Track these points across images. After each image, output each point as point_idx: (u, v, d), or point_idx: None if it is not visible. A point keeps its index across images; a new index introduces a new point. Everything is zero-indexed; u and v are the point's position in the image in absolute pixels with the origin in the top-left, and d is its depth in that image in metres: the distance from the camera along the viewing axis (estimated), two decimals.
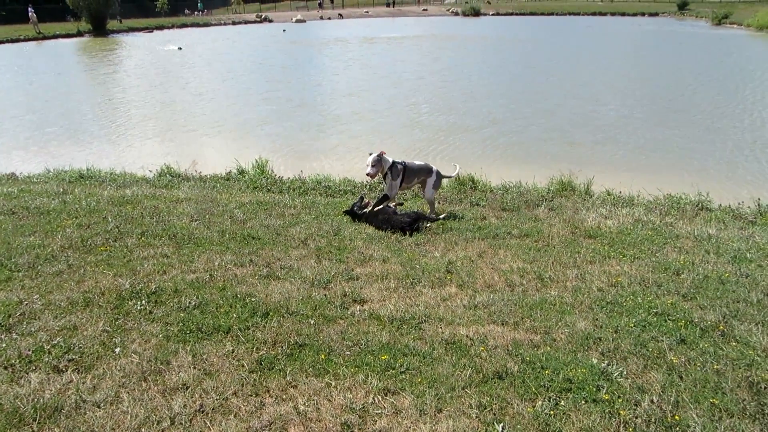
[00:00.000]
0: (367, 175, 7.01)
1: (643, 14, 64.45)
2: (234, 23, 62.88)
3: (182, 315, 4.46)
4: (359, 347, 4.09)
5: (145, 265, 5.49)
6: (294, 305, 4.71)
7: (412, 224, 6.79)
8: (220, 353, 3.95)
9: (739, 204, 8.36)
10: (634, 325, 4.47)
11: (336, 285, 5.20)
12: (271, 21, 65.20)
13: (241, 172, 10.20)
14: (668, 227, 7.29)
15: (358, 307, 4.74)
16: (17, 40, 43.55)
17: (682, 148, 12.88)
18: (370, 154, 7.07)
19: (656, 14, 64.39)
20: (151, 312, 4.53)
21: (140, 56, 34.85)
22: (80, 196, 8.19)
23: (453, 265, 5.73)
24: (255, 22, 65.02)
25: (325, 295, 4.92)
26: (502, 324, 4.51)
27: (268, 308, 4.62)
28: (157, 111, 18.42)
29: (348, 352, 4.00)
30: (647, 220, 7.54)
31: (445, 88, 21.17)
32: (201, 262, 5.62)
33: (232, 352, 3.96)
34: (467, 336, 4.27)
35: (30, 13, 48.19)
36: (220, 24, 62.02)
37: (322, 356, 3.94)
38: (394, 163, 7.18)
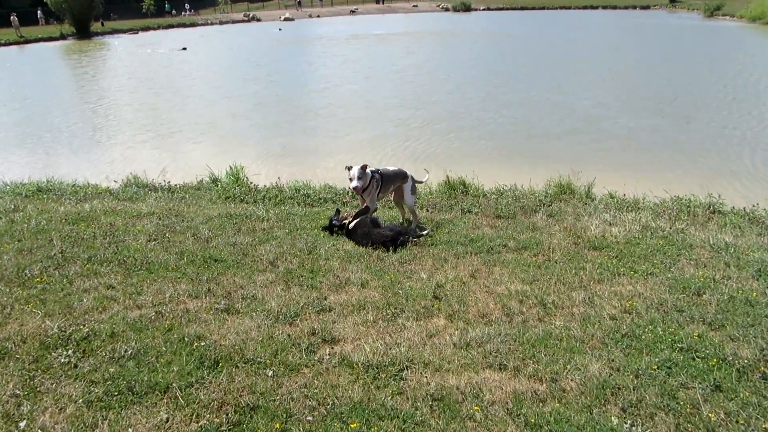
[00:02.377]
0: (354, 189, 6.27)
1: (634, 7, 63.72)
2: (221, 23, 61.81)
3: (113, 369, 3.66)
4: (325, 408, 3.30)
5: (84, 301, 4.69)
6: (251, 349, 3.93)
7: (395, 239, 6.01)
8: (150, 425, 3.15)
9: (753, 206, 7.61)
10: (658, 367, 3.70)
11: (304, 319, 4.42)
12: (259, 20, 64.17)
13: (214, 180, 9.38)
14: (680, 235, 6.53)
15: (327, 350, 3.96)
16: None
17: (688, 145, 12.06)
18: (349, 168, 6.34)
19: (648, 7, 63.65)
20: (76, 366, 3.73)
21: (122, 58, 33.88)
22: (32, 213, 7.36)
23: (442, 289, 4.95)
24: (243, 21, 63.99)
25: (289, 334, 4.13)
26: (500, 368, 3.74)
27: (219, 355, 3.83)
28: (135, 115, 17.53)
29: (310, 417, 3.22)
30: (656, 227, 6.79)
31: (430, 85, 20.36)
32: (150, 294, 4.82)
33: (166, 423, 3.17)
34: (458, 388, 3.49)
35: (12, 18, 47.06)
36: (207, 24, 60.94)
37: (277, 425, 3.15)
38: (373, 173, 6.48)
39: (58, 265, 5.47)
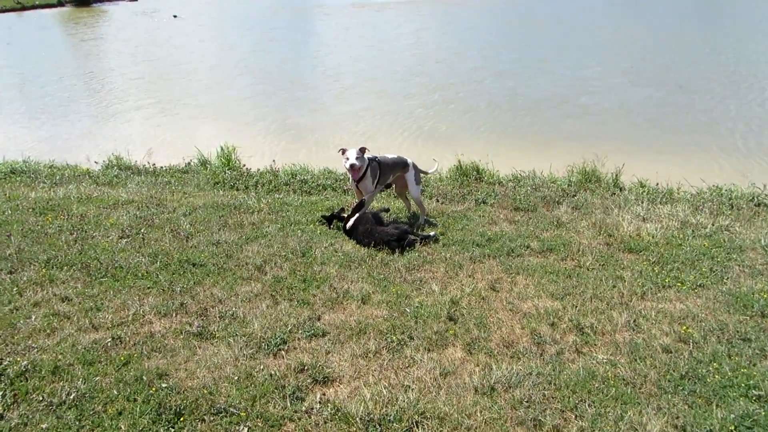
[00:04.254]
0: (351, 168, 5.49)
1: None
2: None
3: (45, 424, 2.89)
4: None
5: (32, 319, 3.91)
6: (223, 394, 3.15)
7: (400, 239, 5.21)
8: None
9: None
10: (734, 427, 2.91)
11: (292, 348, 3.64)
12: None
13: (203, 163, 8.56)
14: (725, 233, 5.71)
15: (318, 396, 3.17)
16: None
17: (723, 126, 10.96)
18: (343, 152, 5.56)
19: None
20: (1, 416, 2.95)
21: (120, 27, 32.71)
22: None
23: (457, 306, 4.16)
24: None
25: (272, 373, 3.34)
26: (535, 426, 2.95)
27: (182, 403, 3.05)
28: (127, 88, 16.56)
29: None
30: (696, 223, 5.96)
31: (440, 63, 19.24)
32: (111, 310, 4.04)
33: None
34: None
35: None
36: None
37: None
38: (371, 160, 5.71)
39: (12, 268, 4.69)
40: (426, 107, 13.00)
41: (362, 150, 5.55)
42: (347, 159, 5.48)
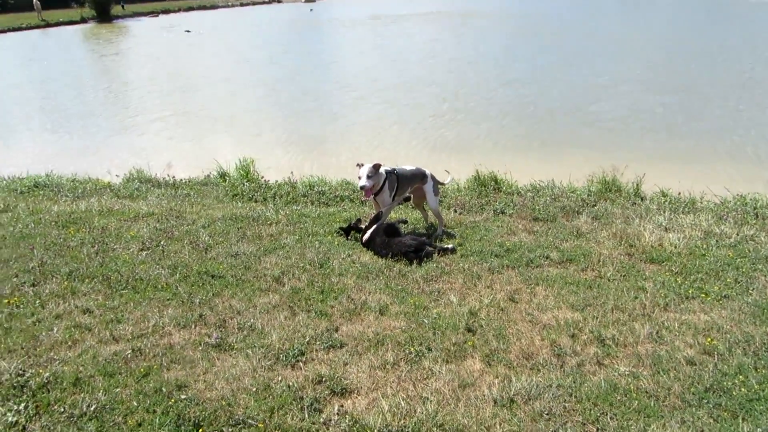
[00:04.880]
0: (362, 189, 5.47)
1: None
2: (242, 5, 60.95)
3: None
4: None
5: (54, 331, 3.98)
6: (242, 405, 3.16)
7: (419, 250, 5.21)
8: None
9: None
10: None
11: (310, 359, 3.65)
12: (280, 1, 63.15)
13: (222, 175, 8.66)
14: (750, 243, 5.61)
15: (336, 407, 3.17)
16: (19, 29, 42.13)
17: (745, 134, 10.82)
18: (360, 166, 5.56)
19: None
20: (24, 429, 2.99)
21: (142, 41, 33.33)
22: (21, 214, 6.71)
23: (476, 318, 4.14)
24: (263, 2, 63.03)
25: (290, 384, 3.34)
26: None
27: (201, 415, 3.07)
28: (146, 101, 16.84)
29: None
30: (720, 233, 5.87)
31: (458, 72, 19.29)
32: (131, 322, 4.09)
33: None
34: None
35: (35, 2, 46.78)
36: (228, 6, 60.13)
37: None
38: (388, 173, 5.72)
39: (35, 281, 4.77)
40: (438, 116, 13.05)
41: (376, 167, 5.55)
42: (359, 178, 5.50)
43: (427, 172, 6.05)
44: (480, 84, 16.62)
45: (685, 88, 14.35)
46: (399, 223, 5.82)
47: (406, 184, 5.87)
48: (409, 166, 6.02)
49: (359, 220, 5.94)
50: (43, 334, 3.94)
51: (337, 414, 3.10)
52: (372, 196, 5.66)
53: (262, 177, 8.53)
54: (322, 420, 3.06)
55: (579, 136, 11.25)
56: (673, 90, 14.35)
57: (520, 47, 24.22)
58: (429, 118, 12.88)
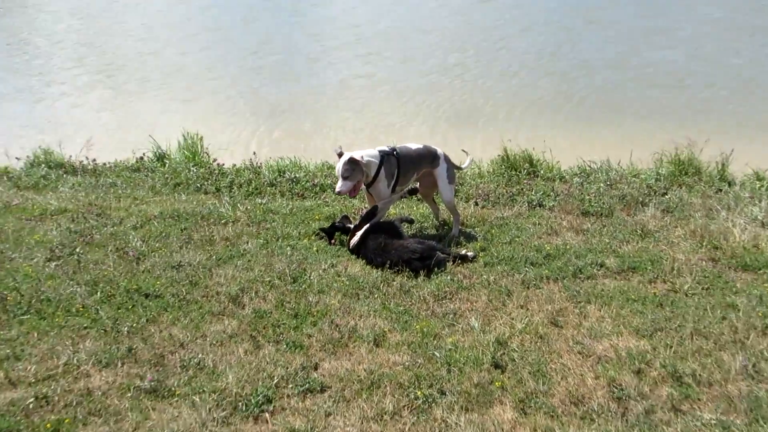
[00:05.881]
0: (338, 194, 5.73)
1: None
2: None
3: None
4: None
5: None
6: None
7: (425, 257, 5.22)
8: None
9: None
10: None
11: (280, 409, 3.63)
12: None
13: (160, 157, 8.65)
14: None
15: None
16: None
17: None
18: (340, 154, 5.61)
19: None
20: None
21: None
22: None
23: (505, 348, 4.14)
24: None
25: None
26: None
27: None
28: (59, 61, 16.73)
29: None
30: None
31: (467, 13, 19.25)
32: (34, 359, 4.05)
33: None
34: None
35: None
36: None
37: None
38: (382, 156, 5.72)
39: None
40: (444, 74, 13.07)
41: (352, 162, 5.51)
42: (336, 179, 5.62)
43: (439, 151, 6.06)
44: (498, 28, 16.61)
45: None
46: (401, 222, 5.81)
47: (411, 168, 5.86)
48: (414, 144, 6.00)
49: (346, 218, 5.97)
50: None
51: None
52: (364, 188, 5.68)
53: (215, 160, 8.56)
54: None
55: (641, 98, 11.28)
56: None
57: None
58: (431, 76, 12.86)
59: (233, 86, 13.59)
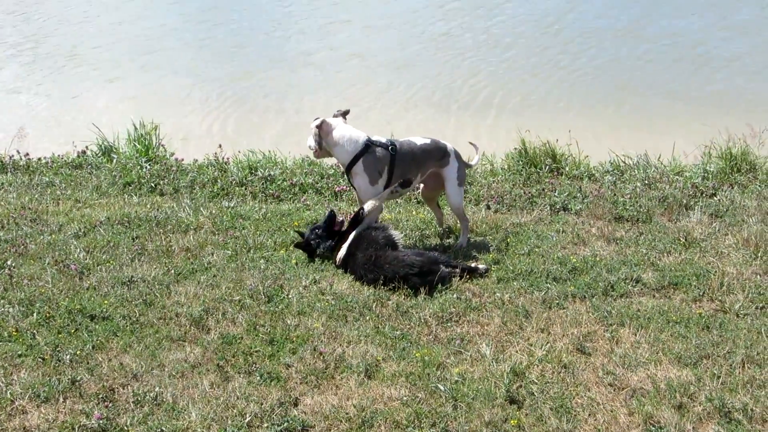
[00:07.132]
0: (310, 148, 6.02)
1: None
2: None
3: None
4: None
5: None
6: None
7: (426, 272, 5.29)
8: None
9: None
10: None
11: None
12: None
13: (107, 151, 8.72)
14: None
15: None
16: None
17: None
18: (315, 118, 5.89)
19: None
20: None
21: None
22: None
23: (523, 380, 4.23)
24: None
25: None
26: None
27: None
28: None
29: None
30: None
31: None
32: None
33: None
34: None
35: None
36: None
37: None
38: (367, 145, 5.78)
39: None
40: (448, 50, 13.17)
41: (324, 127, 5.82)
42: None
43: (450, 147, 6.11)
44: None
45: None
46: (395, 231, 5.86)
47: (413, 167, 5.91)
48: (420, 138, 6.06)
49: (332, 215, 6.04)
50: None
51: None
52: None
53: (173, 154, 8.68)
54: None
55: (684, 80, 11.41)
56: None
57: None
58: (434, 55, 12.95)
59: (194, 63, 13.66)
